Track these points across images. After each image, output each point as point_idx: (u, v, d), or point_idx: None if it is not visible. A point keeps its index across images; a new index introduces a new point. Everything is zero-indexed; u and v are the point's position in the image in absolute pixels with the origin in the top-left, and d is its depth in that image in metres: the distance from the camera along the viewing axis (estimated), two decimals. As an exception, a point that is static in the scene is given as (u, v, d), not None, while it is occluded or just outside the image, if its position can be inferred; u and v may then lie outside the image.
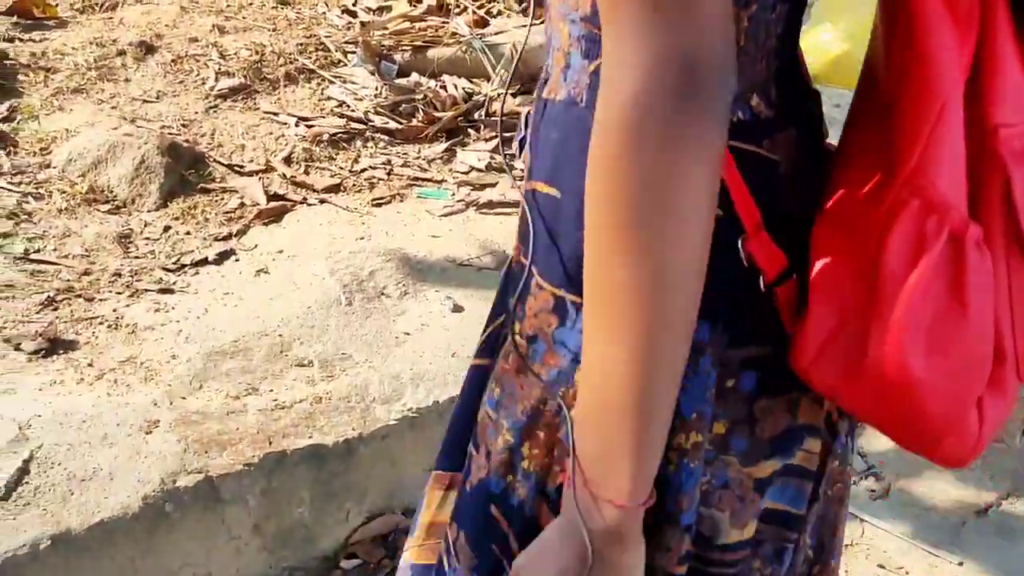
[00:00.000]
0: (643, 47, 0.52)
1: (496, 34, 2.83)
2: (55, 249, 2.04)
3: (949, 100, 0.62)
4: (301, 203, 2.28)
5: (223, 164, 2.35)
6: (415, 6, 2.96)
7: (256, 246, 2.13)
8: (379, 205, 2.31)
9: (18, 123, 2.36)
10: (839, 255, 0.66)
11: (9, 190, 2.16)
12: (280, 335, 1.84)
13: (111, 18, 2.81)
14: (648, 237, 0.55)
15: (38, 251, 2.02)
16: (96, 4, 2.84)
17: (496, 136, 2.57)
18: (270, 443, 1.60)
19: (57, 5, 2.78)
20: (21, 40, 2.62)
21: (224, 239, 2.14)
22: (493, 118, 2.64)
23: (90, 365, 1.74)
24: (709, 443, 0.71)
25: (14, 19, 2.69)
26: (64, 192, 2.18)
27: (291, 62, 2.71)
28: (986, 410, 0.67)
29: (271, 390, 1.72)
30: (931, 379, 0.64)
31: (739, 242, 0.66)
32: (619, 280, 0.56)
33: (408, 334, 1.89)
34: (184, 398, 1.67)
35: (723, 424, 0.71)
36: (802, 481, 0.76)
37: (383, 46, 2.78)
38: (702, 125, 0.54)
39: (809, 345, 0.67)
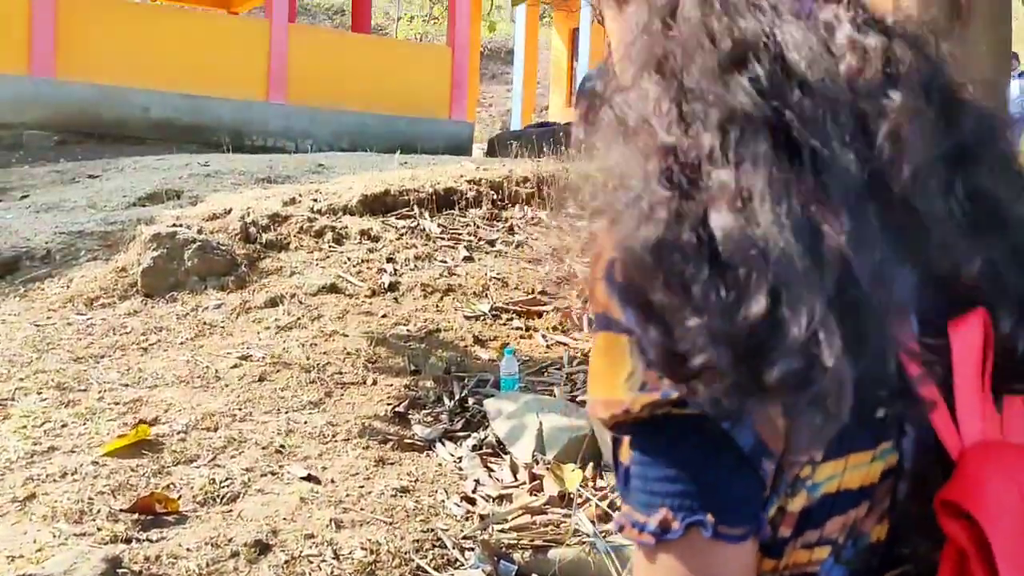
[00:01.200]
0: None
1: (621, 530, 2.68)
2: None
3: None
4: None
5: None
6: (536, 495, 2.87)
7: None
8: None
9: (119, 646, 2.22)
10: None
11: None
12: None
13: (231, 511, 2.78)
14: None
15: None
16: (217, 496, 2.84)
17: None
18: None
19: (180, 498, 2.79)
20: (138, 541, 2.58)
21: None
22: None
23: None
24: None
25: (135, 516, 2.67)
26: None
27: (406, 563, 2.58)
28: None
29: None
30: None
31: None
32: None
33: None
34: None
35: None
36: None
37: (502, 544, 2.64)
38: None
39: None
